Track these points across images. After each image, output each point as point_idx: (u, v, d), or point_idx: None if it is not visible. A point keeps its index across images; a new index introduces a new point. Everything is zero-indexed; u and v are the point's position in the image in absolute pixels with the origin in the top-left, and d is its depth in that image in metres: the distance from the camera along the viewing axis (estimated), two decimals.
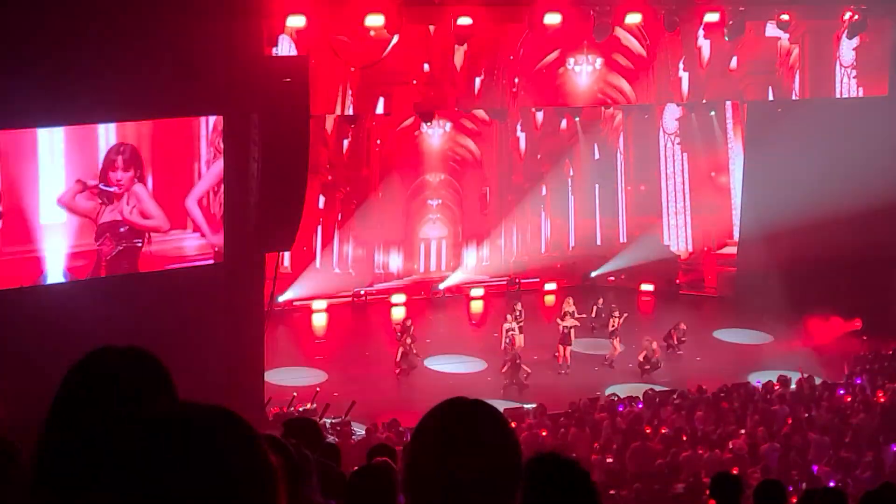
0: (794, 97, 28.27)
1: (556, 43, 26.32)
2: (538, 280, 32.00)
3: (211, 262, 18.83)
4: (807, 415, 20.79)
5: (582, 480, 3.64)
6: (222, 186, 18.66)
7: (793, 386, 22.63)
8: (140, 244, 18.30)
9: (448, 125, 30.56)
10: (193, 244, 18.80)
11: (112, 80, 16.53)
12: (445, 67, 25.49)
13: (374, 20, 21.43)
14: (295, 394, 22.45)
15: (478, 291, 31.33)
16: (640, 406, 21.67)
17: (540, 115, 31.49)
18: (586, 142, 32.35)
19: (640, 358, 25.55)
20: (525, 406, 22.21)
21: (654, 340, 25.82)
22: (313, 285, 29.39)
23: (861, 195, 25.88)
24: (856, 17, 25.89)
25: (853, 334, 27.75)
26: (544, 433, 19.77)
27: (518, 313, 26.21)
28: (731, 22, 24.95)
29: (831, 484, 16.42)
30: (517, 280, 31.74)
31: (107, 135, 17.86)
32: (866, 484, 15.62)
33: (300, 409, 21.24)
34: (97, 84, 16.42)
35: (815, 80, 28.01)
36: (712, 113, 31.00)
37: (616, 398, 22.32)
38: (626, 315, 26.49)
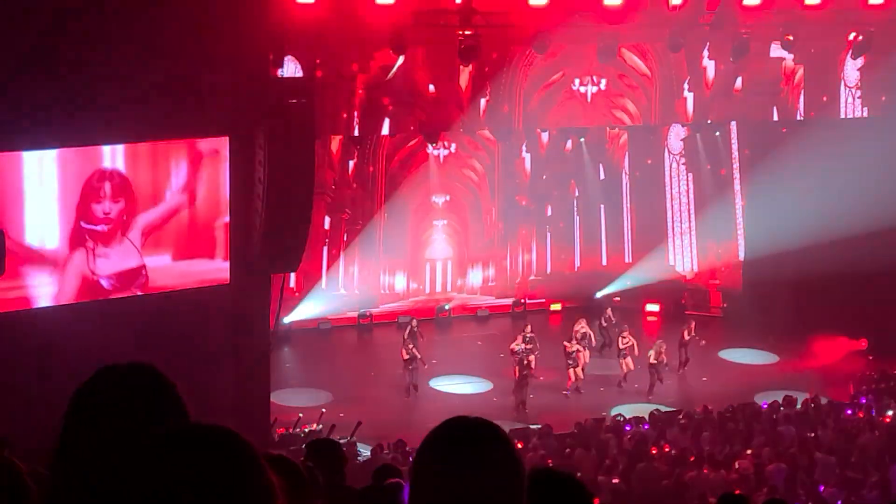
0: (798, 117, 28.30)
1: (561, 64, 26.41)
2: (544, 300, 32.01)
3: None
4: (813, 434, 20.74)
5: (579, 493, 3.66)
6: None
7: (799, 406, 22.60)
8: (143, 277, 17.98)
9: (453, 146, 30.62)
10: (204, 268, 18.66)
11: (116, 101, 16.52)
12: (451, 88, 25.55)
13: (380, 41, 21.48)
14: (301, 414, 22.43)
15: (483, 312, 31.33)
16: (646, 426, 21.62)
17: (545, 136, 31.53)
18: (592, 162, 32.39)
19: (652, 360, 25.45)
20: (530, 426, 22.17)
21: (664, 343, 25.79)
22: (319, 306, 29.42)
23: (866, 215, 25.87)
24: (860, 37, 25.91)
25: (859, 354, 27.73)
26: (548, 459, 19.71)
27: (528, 338, 25.86)
28: (735, 43, 24.98)
29: None
30: (523, 301, 31.74)
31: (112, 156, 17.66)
32: None
33: (306, 429, 21.23)
34: (101, 105, 16.42)
35: (819, 101, 28.04)
36: (717, 133, 31.05)
37: (622, 419, 22.27)
38: (629, 331, 26.42)
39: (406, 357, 25.40)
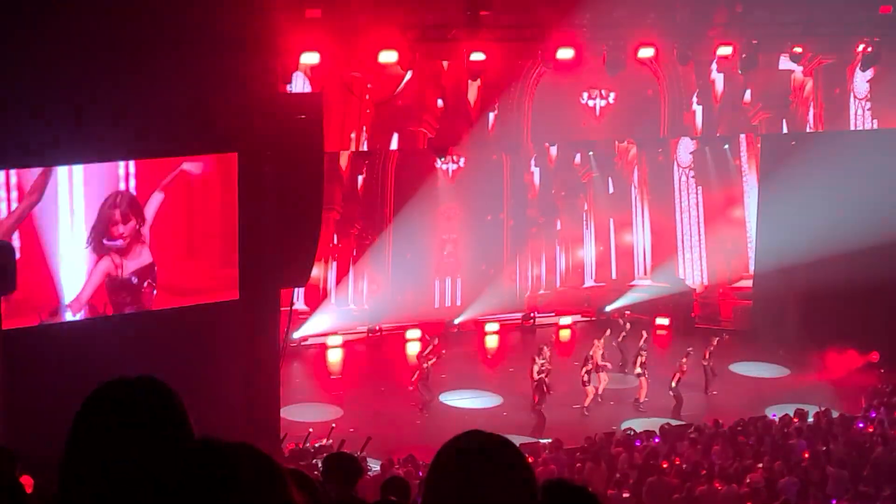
0: (808, 130, 28.28)
1: (569, 77, 26.41)
2: (554, 314, 31.97)
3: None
4: (824, 448, 20.67)
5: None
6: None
7: (810, 419, 22.53)
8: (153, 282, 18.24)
9: (462, 160, 30.63)
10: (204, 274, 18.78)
11: (126, 118, 16.60)
12: (459, 103, 25.58)
13: (388, 56, 21.53)
14: (311, 430, 22.42)
15: (493, 326, 31.30)
16: (657, 440, 21.57)
17: (554, 150, 31.53)
18: (601, 176, 32.38)
19: (674, 383, 25.39)
20: (541, 441, 22.14)
21: (685, 357, 25.66)
22: (328, 321, 29.42)
23: (877, 227, 25.84)
24: (869, 49, 25.89)
25: (870, 367, 27.63)
26: (558, 474, 19.66)
27: (544, 358, 25.64)
28: (744, 55, 24.98)
29: None
30: (532, 315, 31.72)
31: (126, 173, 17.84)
32: None
33: (316, 444, 21.22)
34: (111, 122, 16.49)
35: (829, 113, 28.02)
36: (726, 146, 31.04)
37: (632, 433, 22.23)
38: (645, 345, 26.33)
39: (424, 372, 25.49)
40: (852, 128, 28.13)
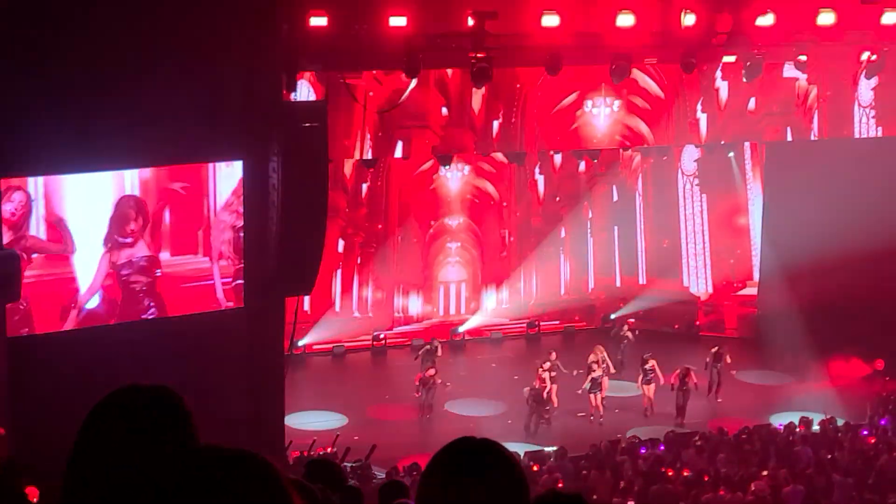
0: (812, 138, 28.24)
1: (573, 85, 26.41)
2: (558, 322, 31.97)
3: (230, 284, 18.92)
4: (830, 456, 20.64)
5: None
6: (232, 230, 18.65)
7: (815, 427, 22.49)
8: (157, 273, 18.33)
9: (466, 168, 30.65)
10: (203, 266, 18.79)
11: (132, 126, 16.62)
12: (463, 111, 25.57)
13: (393, 64, 21.48)
14: (315, 438, 22.41)
15: (497, 334, 31.29)
16: (662, 448, 21.56)
17: (558, 158, 31.54)
18: (605, 184, 32.38)
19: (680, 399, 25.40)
20: (546, 449, 22.11)
21: (692, 368, 25.67)
22: (333, 329, 29.42)
23: (881, 235, 25.82)
24: (874, 56, 25.87)
25: (875, 375, 27.60)
26: (562, 482, 19.65)
27: (551, 361, 25.73)
28: (748, 63, 24.95)
29: None
30: (537, 323, 31.71)
31: (131, 181, 17.89)
32: None
33: (320, 452, 21.21)
34: (117, 130, 16.51)
35: (833, 121, 27.98)
36: (731, 154, 31.03)
37: (637, 440, 22.21)
38: (652, 357, 26.28)
39: (424, 377, 25.47)
40: (857, 135, 28.10)
